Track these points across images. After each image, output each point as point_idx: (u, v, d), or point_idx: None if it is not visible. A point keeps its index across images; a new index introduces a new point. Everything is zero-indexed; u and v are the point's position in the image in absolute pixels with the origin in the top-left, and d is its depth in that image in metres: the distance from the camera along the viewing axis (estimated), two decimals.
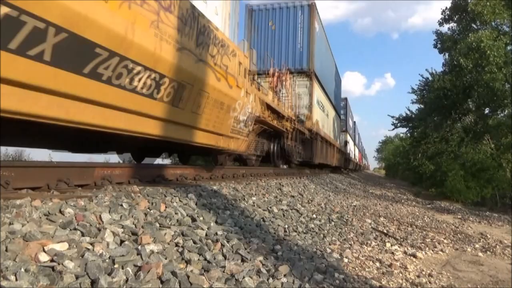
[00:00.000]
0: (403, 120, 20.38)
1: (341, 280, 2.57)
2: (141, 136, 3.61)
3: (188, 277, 1.80)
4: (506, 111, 16.29)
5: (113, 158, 9.49)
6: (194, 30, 3.91)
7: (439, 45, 19.07)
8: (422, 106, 19.87)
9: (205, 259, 2.10)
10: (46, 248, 1.62)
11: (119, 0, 2.76)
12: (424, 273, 3.27)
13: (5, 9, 1.94)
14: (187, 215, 2.76)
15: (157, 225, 2.35)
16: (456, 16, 18.34)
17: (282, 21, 12.43)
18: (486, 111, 17.25)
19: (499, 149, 16.24)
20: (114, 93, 2.94)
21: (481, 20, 16.04)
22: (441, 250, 4.28)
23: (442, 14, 18.93)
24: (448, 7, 18.71)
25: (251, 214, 3.65)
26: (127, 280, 1.62)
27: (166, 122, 3.84)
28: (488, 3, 15.29)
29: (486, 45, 13.90)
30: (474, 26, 17.20)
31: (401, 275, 3.11)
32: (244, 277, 2.01)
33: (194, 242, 2.28)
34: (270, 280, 2.15)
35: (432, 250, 4.24)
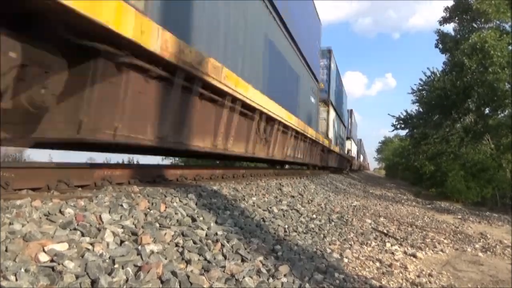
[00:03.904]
0: (402, 122, 20.29)
1: (341, 280, 2.57)
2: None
3: (188, 277, 1.80)
4: (506, 111, 16.30)
5: (113, 158, 9.50)
6: None
7: (440, 45, 19.10)
8: (421, 106, 19.84)
9: (205, 259, 2.10)
10: (46, 248, 1.62)
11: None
12: (424, 273, 3.27)
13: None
14: (187, 215, 2.76)
15: (157, 225, 2.35)
16: (458, 15, 18.37)
17: None
18: (486, 111, 17.26)
19: (499, 149, 16.24)
20: None
21: (485, 19, 16.05)
22: (441, 250, 4.28)
23: (444, 12, 18.96)
24: (450, 6, 18.75)
25: (251, 214, 3.65)
26: (127, 280, 1.62)
27: None
28: (493, 2, 15.31)
29: (490, 45, 13.91)
30: (475, 25, 17.22)
31: (401, 275, 3.11)
32: (244, 277, 2.02)
33: (194, 242, 2.28)
34: (270, 280, 2.16)
35: (432, 250, 4.24)
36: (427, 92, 19.01)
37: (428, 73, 19.01)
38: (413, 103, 20.44)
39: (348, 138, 29.75)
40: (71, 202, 2.23)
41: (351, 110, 32.59)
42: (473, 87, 15.74)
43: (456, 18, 18.55)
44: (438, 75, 18.13)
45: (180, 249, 2.13)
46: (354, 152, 35.54)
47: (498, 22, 16.21)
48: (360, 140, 53.83)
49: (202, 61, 3.69)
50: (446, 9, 18.99)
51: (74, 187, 2.90)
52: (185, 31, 3.62)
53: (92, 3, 2.15)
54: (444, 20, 19.21)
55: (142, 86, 3.07)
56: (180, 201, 3.06)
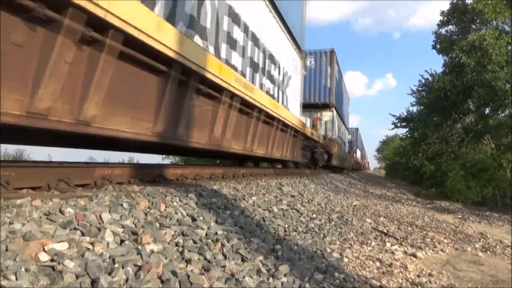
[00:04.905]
0: (403, 121, 20.30)
1: (341, 280, 2.57)
2: None
3: (188, 276, 1.80)
4: (507, 111, 16.30)
5: (113, 158, 9.50)
6: None
7: (438, 46, 19.08)
8: (421, 107, 19.82)
9: (205, 258, 2.10)
10: (46, 248, 1.62)
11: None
12: (424, 272, 3.27)
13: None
14: (187, 214, 2.76)
15: (157, 224, 2.35)
16: (455, 18, 18.35)
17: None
18: (487, 111, 17.26)
19: (500, 149, 16.24)
20: None
21: (481, 19, 16.03)
22: (441, 250, 4.28)
23: (440, 15, 18.94)
24: (446, 10, 18.71)
25: (251, 214, 3.65)
26: (127, 280, 1.62)
27: None
28: (489, 2, 15.29)
29: (489, 43, 13.91)
30: (474, 26, 17.21)
31: (401, 274, 3.11)
32: (244, 277, 2.01)
33: (194, 242, 2.28)
34: (270, 279, 2.15)
35: (432, 250, 4.23)
36: (426, 93, 19.00)
37: (426, 76, 19.02)
38: (413, 105, 20.45)
39: (327, 106, 16.28)
40: (71, 201, 2.23)
41: (333, 51, 16.58)
42: (473, 87, 15.74)
43: (454, 19, 18.51)
44: (438, 77, 18.12)
45: (180, 249, 2.13)
46: (343, 138, 22.16)
47: (495, 22, 16.19)
48: (357, 129, 39.73)
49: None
50: (442, 13, 18.94)
51: (74, 186, 2.90)
52: None
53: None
54: (442, 24, 19.17)
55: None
56: (180, 200, 3.06)
